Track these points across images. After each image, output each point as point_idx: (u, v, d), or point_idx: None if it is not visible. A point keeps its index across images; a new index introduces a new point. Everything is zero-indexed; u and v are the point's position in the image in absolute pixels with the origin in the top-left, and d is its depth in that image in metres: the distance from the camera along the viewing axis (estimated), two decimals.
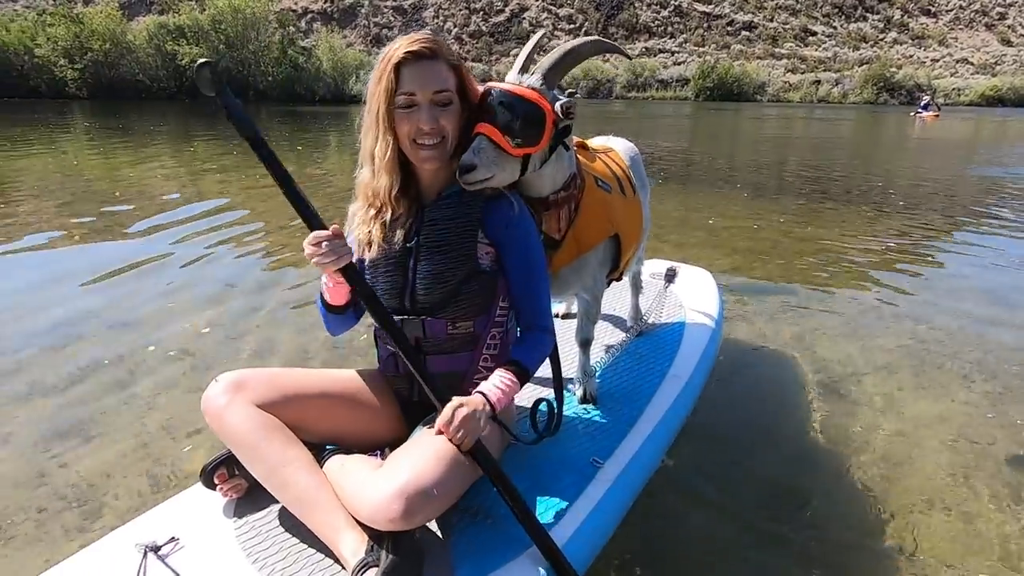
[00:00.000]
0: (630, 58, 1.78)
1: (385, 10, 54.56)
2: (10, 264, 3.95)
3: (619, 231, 1.57)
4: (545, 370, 1.50)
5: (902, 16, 53.05)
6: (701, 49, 51.06)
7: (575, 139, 1.55)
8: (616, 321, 2.38)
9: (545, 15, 55.10)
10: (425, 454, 1.08)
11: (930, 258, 4.47)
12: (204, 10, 29.80)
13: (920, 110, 25.49)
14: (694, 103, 38.92)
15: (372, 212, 1.27)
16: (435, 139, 1.20)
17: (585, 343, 1.71)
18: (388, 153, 1.20)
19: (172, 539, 1.15)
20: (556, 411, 1.44)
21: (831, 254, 4.47)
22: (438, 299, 1.23)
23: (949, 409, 2.32)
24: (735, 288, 3.64)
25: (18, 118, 16.15)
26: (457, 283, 1.23)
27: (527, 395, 1.68)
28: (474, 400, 1.15)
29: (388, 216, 1.25)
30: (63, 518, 1.70)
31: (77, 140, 11.67)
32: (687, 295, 2.51)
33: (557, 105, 1.25)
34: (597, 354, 2.02)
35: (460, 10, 55.03)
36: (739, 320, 3.15)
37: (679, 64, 47.91)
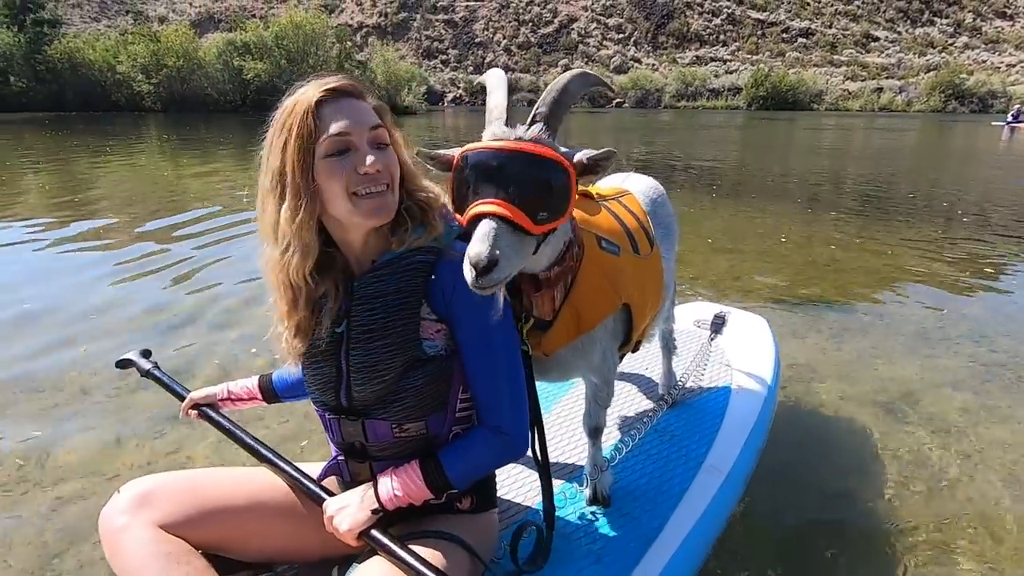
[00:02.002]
0: (613, 91, 1.48)
1: (436, 23, 55.94)
2: (84, 257, 4.32)
3: (630, 301, 1.25)
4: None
5: (974, 19, 50.27)
6: (754, 57, 49.90)
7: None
8: (644, 386, 1.98)
9: (594, 25, 55.16)
10: None
11: (995, 279, 4.26)
12: (268, 27, 31.46)
13: (1011, 120, 23.29)
14: (746, 112, 38.05)
15: (286, 305, 0.98)
16: (383, 183, 0.93)
17: (595, 431, 1.39)
18: (300, 218, 0.91)
19: None
20: (544, 537, 1.13)
21: (891, 271, 4.33)
22: (376, 396, 0.97)
23: (1016, 433, 2.25)
24: (790, 304, 3.59)
25: (100, 130, 17.43)
26: (396, 375, 0.95)
27: (519, 486, 1.42)
28: (352, 497, 0.96)
29: (302, 303, 0.98)
30: None
31: (150, 150, 12.52)
32: (736, 352, 2.14)
33: (581, 155, 0.96)
34: (616, 434, 1.70)
35: (509, 22, 55.78)
36: (794, 337, 3.11)
37: (731, 73, 46.98)
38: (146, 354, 1.40)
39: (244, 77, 28.83)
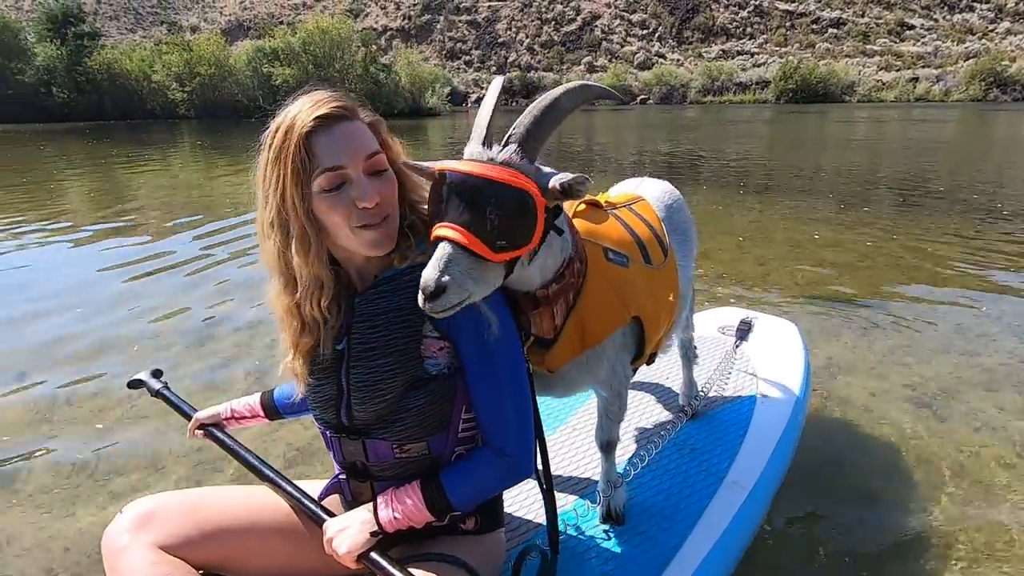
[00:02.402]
0: (624, 101, 1.41)
1: (459, 24, 56.24)
2: (117, 252, 4.49)
3: (641, 314, 1.20)
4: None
5: (1017, 3, 48.20)
6: (783, 49, 48.82)
7: (583, 198, 1.24)
8: (663, 396, 1.89)
9: (617, 22, 54.72)
10: None
11: None
12: (296, 33, 32.06)
13: None
14: (775, 106, 37.22)
15: (292, 335, 0.97)
16: (382, 216, 0.91)
17: (607, 446, 1.34)
18: (312, 258, 0.90)
19: None
20: (548, 560, 1.09)
21: (927, 267, 4.20)
22: (376, 415, 0.95)
23: None
24: (820, 301, 3.53)
25: (138, 138, 18.06)
26: (397, 395, 0.94)
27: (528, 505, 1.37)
28: (352, 518, 0.95)
29: (309, 330, 0.96)
30: None
31: (184, 156, 12.92)
32: (763, 359, 2.03)
33: (555, 181, 0.88)
34: (632, 447, 1.64)
35: (532, 21, 55.75)
36: (823, 334, 3.06)
37: (759, 66, 46.05)
38: (157, 374, 1.41)
39: (273, 83, 29.44)
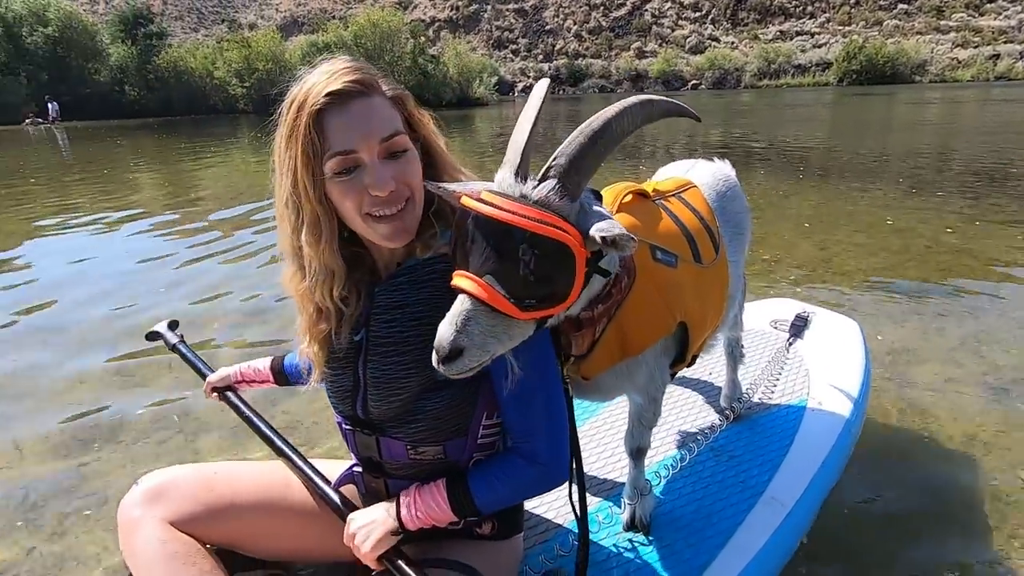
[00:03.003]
0: (699, 120, 0.93)
1: (506, 13, 56.03)
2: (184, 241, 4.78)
3: (686, 319, 1.08)
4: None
5: None
6: (847, 28, 46.19)
7: (626, 188, 1.14)
8: (704, 395, 1.75)
9: (668, 5, 53.14)
10: None
11: None
12: (347, 27, 32.81)
13: None
14: (836, 89, 35.35)
15: (307, 321, 0.93)
16: (399, 205, 0.83)
17: (637, 452, 1.25)
18: (322, 245, 0.84)
19: None
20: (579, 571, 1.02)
21: (1005, 253, 3.92)
22: (392, 414, 0.91)
23: None
24: (885, 287, 3.37)
25: (202, 132, 18.97)
26: (412, 395, 0.88)
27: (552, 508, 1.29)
28: (376, 515, 0.91)
29: (325, 317, 0.91)
30: None
31: (244, 148, 13.48)
32: (819, 359, 1.86)
33: (596, 232, 0.73)
34: (665, 450, 1.52)
35: (580, 7, 54.87)
36: (889, 320, 2.91)
37: (819, 47, 43.78)
38: (173, 326, 1.41)
39: None
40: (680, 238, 1.14)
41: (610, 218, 0.77)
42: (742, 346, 1.69)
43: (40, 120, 24.83)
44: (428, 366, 0.81)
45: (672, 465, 1.34)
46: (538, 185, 0.74)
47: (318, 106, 0.79)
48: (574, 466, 0.96)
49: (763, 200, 5.80)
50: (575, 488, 0.97)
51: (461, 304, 0.72)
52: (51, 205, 6.97)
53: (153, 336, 1.41)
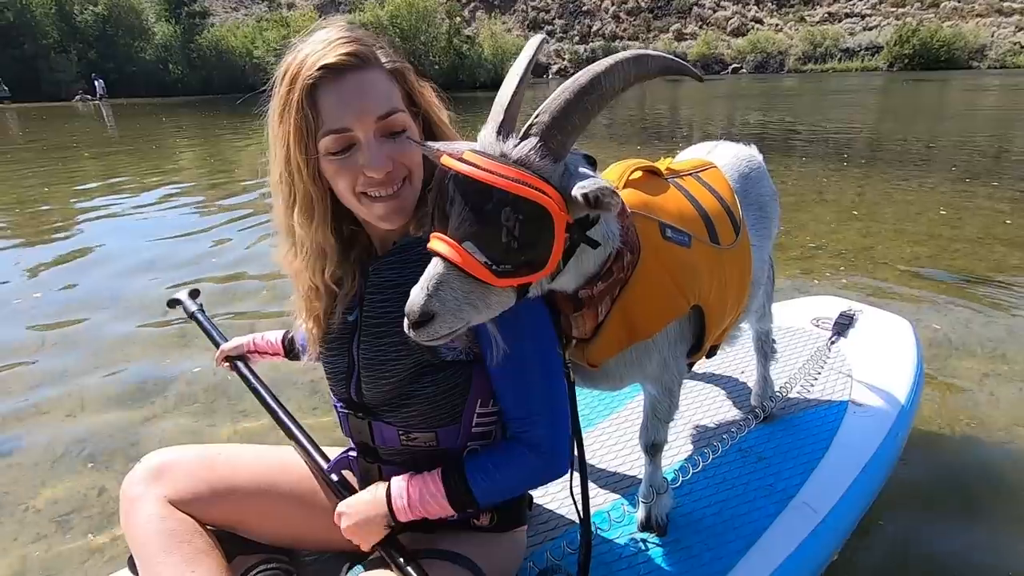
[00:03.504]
0: (699, 78, 0.88)
1: None
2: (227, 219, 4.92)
3: (702, 302, 1.02)
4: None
5: None
6: (900, 10, 43.94)
7: (634, 165, 1.08)
8: (733, 392, 1.66)
9: None
10: None
11: None
12: (384, 6, 32.83)
13: None
14: (886, 74, 33.80)
15: (302, 299, 0.92)
16: (395, 184, 0.80)
17: (652, 448, 1.18)
18: (315, 225, 0.82)
19: None
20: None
21: None
22: (384, 397, 0.88)
23: None
24: (930, 277, 3.25)
25: (240, 111, 19.34)
26: (405, 378, 0.86)
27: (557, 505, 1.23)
28: (365, 505, 0.87)
29: (326, 302, 0.90)
30: None
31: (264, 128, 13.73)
32: (863, 360, 1.72)
33: (577, 191, 0.69)
34: (688, 448, 1.44)
35: None
36: (933, 308, 2.82)
37: (870, 29, 41.84)
38: (194, 294, 1.42)
39: None
40: (695, 217, 1.06)
41: (594, 177, 0.71)
42: (773, 341, 1.59)
43: (89, 97, 25.72)
44: (418, 348, 0.81)
45: (693, 464, 1.27)
46: (519, 143, 0.70)
47: (311, 80, 0.75)
48: (576, 455, 0.92)
49: (804, 185, 5.64)
50: (577, 478, 0.93)
51: (434, 267, 0.68)
52: (100, 178, 7.27)
53: (174, 303, 1.43)
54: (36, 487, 1.87)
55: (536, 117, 0.71)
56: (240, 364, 1.23)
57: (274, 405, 1.13)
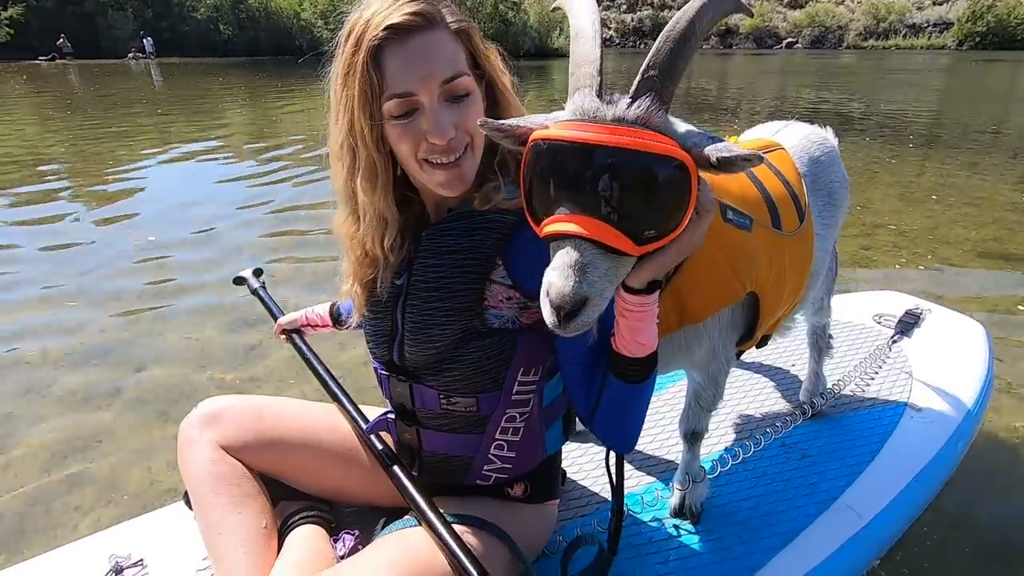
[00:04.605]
0: (750, 13, 0.75)
1: None
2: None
3: (758, 289, 0.99)
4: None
5: None
6: None
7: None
8: (782, 384, 1.62)
9: None
10: None
11: None
12: None
13: None
14: (954, 53, 31.72)
15: (354, 264, 0.93)
16: (457, 152, 0.80)
17: (692, 436, 1.16)
18: (377, 192, 0.83)
19: (138, 562, 1.10)
20: (604, 558, 0.99)
21: None
22: (427, 360, 0.89)
23: None
24: (996, 258, 3.20)
25: (286, 72, 19.57)
26: (448, 344, 0.87)
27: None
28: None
29: (380, 267, 0.91)
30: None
31: (326, 90, 13.88)
32: (927, 362, 1.64)
33: (714, 152, 0.64)
34: (730, 437, 1.42)
35: None
36: (997, 287, 2.79)
37: (939, 4, 39.19)
38: (258, 273, 1.54)
39: None
40: (759, 201, 1.03)
41: (706, 135, 0.67)
42: (830, 336, 1.53)
43: (141, 55, 26.38)
44: (471, 313, 0.84)
45: (733, 456, 1.25)
46: (633, 103, 0.64)
47: (376, 41, 0.75)
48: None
49: (860, 166, 5.50)
50: (613, 454, 0.95)
51: (571, 255, 0.63)
52: (155, 136, 7.55)
53: (239, 281, 1.54)
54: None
55: (645, 73, 0.65)
56: (295, 336, 1.31)
57: (322, 371, 1.21)
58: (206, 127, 8.32)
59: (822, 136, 1.30)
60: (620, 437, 0.88)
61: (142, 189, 5.07)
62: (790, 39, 40.04)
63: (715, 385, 1.09)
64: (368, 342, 0.98)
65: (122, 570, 1.08)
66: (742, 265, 0.95)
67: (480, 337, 0.86)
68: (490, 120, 0.73)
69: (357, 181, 0.83)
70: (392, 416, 0.99)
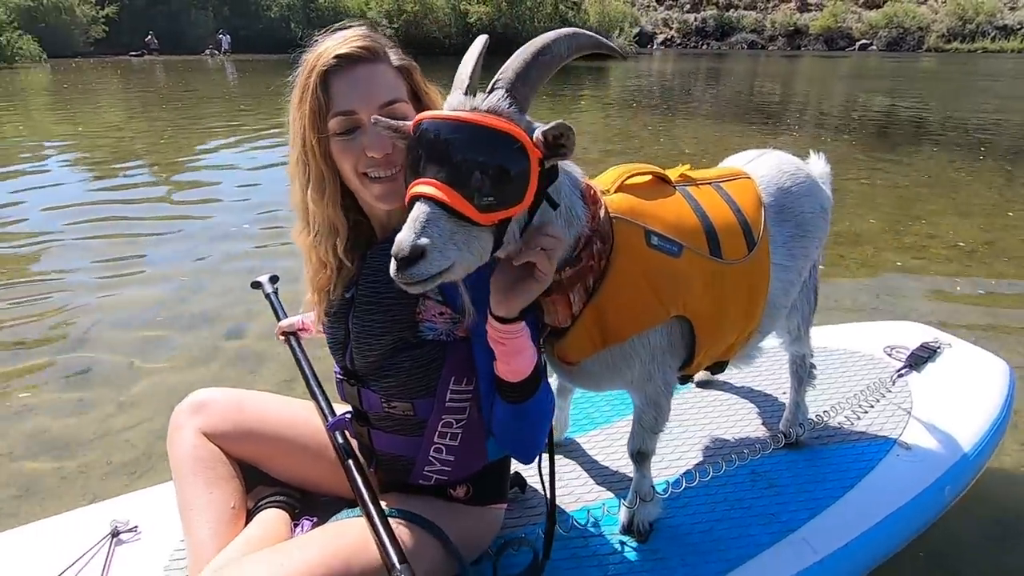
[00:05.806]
0: (623, 56, 1.08)
1: None
2: None
3: (689, 313, 1.03)
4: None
5: None
6: None
7: (635, 169, 1.10)
8: (764, 409, 1.58)
9: None
10: (294, 560, 0.87)
11: None
12: None
13: None
14: None
15: (312, 272, 1.02)
16: (392, 168, 0.89)
17: (638, 456, 1.18)
18: (326, 202, 0.92)
19: (133, 528, 1.20)
20: (538, 562, 1.07)
21: None
22: (367, 367, 1.01)
23: None
24: None
25: None
26: (383, 353, 0.98)
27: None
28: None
29: (333, 278, 1.00)
30: None
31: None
32: (931, 399, 1.56)
33: (538, 134, 0.76)
34: (694, 458, 1.39)
35: None
36: None
37: None
38: (274, 279, 1.62)
39: (468, 20, 30.68)
40: (695, 228, 1.06)
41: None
42: (812, 366, 1.48)
43: (216, 52, 28.00)
44: (404, 326, 0.95)
45: (689, 478, 1.25)
46: (487, 96, 0.78)
47: (326, 67, 0.87)
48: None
49: (924, 179, 5.30)
50: (545, 462, 1.05)
51: (419, 210, 0.73)
52: (224, 129, 8.00)
53: (256, 285, 1.64)
54: None
55: (500, 74, 0.78)
56: (291, 339, 1.40)
57: (306, 370, 1.29)
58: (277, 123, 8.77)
59: (795, 166, 1.29)
60: (516, 449, 1.00)
61: None
62: (864, 41, 38.02)
63: (656, 407, 1.12)
64: (329, 348, 1.10)
65: (119, 533, 1.20)
66: (666, 289, 1.00)
67: (411, 348, 0.96)
68: (383, 119, 0.83)
69: (308, 192, 0.93)
70: (349, 416, 1.11)
